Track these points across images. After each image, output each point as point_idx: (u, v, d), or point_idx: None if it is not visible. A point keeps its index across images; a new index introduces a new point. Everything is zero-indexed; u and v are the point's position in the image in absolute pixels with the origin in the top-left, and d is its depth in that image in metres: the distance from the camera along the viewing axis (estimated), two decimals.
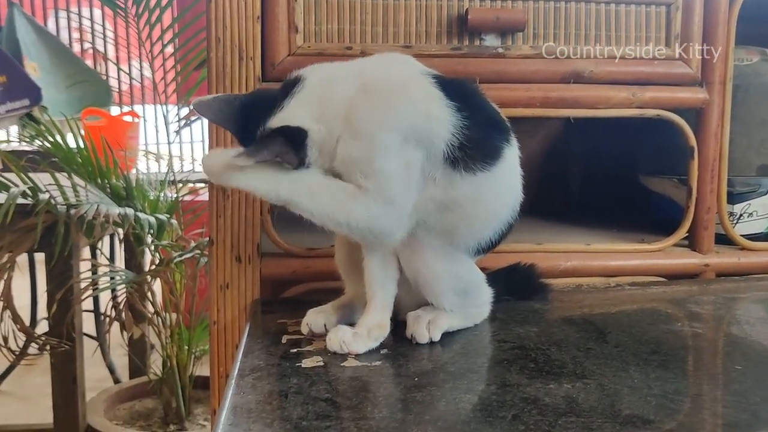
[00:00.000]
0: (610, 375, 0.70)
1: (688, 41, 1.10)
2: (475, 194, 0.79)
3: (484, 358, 0.80)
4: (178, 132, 2.29)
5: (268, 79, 1.02)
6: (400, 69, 0.80)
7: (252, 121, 0.78)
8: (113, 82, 3.39)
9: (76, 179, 1.78)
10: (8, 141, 3.06)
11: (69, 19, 4.56)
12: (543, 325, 0.89)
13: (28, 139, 2.18)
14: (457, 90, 0.79)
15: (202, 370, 2.06)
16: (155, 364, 2.09)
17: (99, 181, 1.85)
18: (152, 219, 1.80)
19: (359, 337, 0.78)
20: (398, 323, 0.83)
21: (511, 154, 0.82)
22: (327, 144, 0.76)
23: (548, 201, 1.34)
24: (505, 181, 0.82)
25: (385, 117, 0.75)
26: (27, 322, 2.11)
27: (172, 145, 2.28)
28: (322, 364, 0.75)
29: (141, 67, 2.98)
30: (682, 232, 1.15)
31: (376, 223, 0.76)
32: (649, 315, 0.95)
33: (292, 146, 0.75)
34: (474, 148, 0.77)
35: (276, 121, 0.76)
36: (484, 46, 1.06)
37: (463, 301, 0.84)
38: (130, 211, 1.75)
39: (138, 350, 2.24)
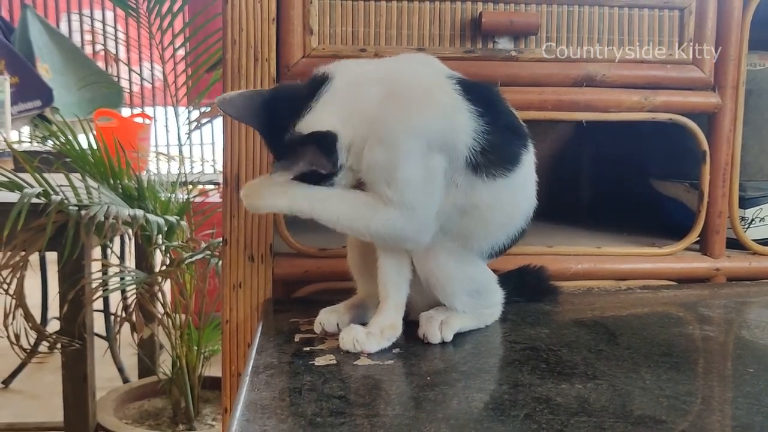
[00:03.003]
0: (622, 376, 0.70)
1: (701, 45, 1.10)
2: (494, 199, 0.80)
3: (496, 359, 0.80)
4: (189, 134, 2.31)
5: (283, 81, 1.03)
6: (426, 73, 0.81)
7: (276, 119, 0.78)
8: (125, 84, 3.41)
9: (89, 181, 1.79)
10: (20, 141, 3.08)
11: (81, 21, 4.59)
12: (554, 326, 0.89)
13: (40, 140, 2.20)
14: (480, 94, 0.80)
15: (211, 370, 2.07)
16: (165, 364, 2.10)
17: (111, 181, 1.86)
18: (161, 220, 1.81)
19: (372, 336, 0.78)
20: (410, 323, 0.84)
21: (529, 159, 0.84)
22: (356, 146, 0.77)
23: (559, 204, 1.34)
24: (522, 186, 0.83)
25: (410, 124, 0.76)
26: (37, 320, 2.12)
27: (183, 146, 2.29)
28: (334, 362, 0.75)
29: (152, 68, 2.99)
30: (694, 236, 1.15)
31: (395, 230, 0.77)
32: (660, 318, 0.95)
33: (324, 152, 0.76)
34: (495, 154, 0.78)
35: (304, 124, 0.76)
36: (498, 49, 1.07)
37: (475, 301, 0.85)
38: (139, 212, 1.76)
39: (147, 350, 2.25)
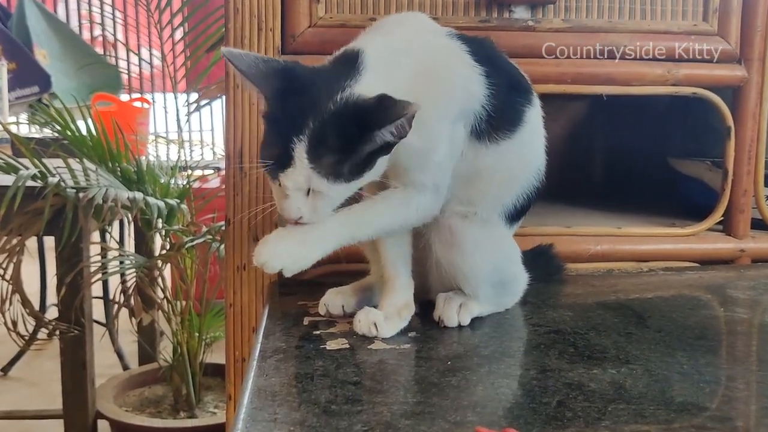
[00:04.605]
0: (657, 360, 0.66)
1: (726, 16, 1.05)
2: (498, 162, 0.77)
3: (519, 342, 0.75)
4: (188, 115, 2.25)
5: (287, 52, 0.98)
6: (440, 44, 0.76)
7: (302, 90, 0.68)
8: (123, 67, 3.35)
9: (87, 164, 1.74)
10: (17, 123, 3.03)
11: (79, 5, 4.52)
12: (577, 309, 0.84)
13: (38, 124, 2.15)
14: (482, 52, 0.77)
15: (213, 357, 2.03)
16: (165, 350, 2.06)
17: (109, 164, 1.81)
18: (161, 203, 1.76)
19: (390, 320, 0.74)
20: (422, 304, 0.79)
21: (533, 115, 0.80)
22: None
23: (575, 185, 1.29)
24: (528, 144, 0.80)
25: (440, 106, 0.73)
26: (36, 307, 2.08)
27: (182, 131, 2.24)
28: (347, 346, 0.71)
29: (150, 53, 2.94)
30: (717, 216, 1.10)
31: (426, 212, 0.76)
32: (688, 300, 0.91)
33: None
34: (498, 117, 0.75)
35: (360, 89, 0.67)
36: (514, 19, 1.02)
37: (497, 291, 0.81)
38: (139, 195, 1.71)
39: (148, 337, 2.21)
